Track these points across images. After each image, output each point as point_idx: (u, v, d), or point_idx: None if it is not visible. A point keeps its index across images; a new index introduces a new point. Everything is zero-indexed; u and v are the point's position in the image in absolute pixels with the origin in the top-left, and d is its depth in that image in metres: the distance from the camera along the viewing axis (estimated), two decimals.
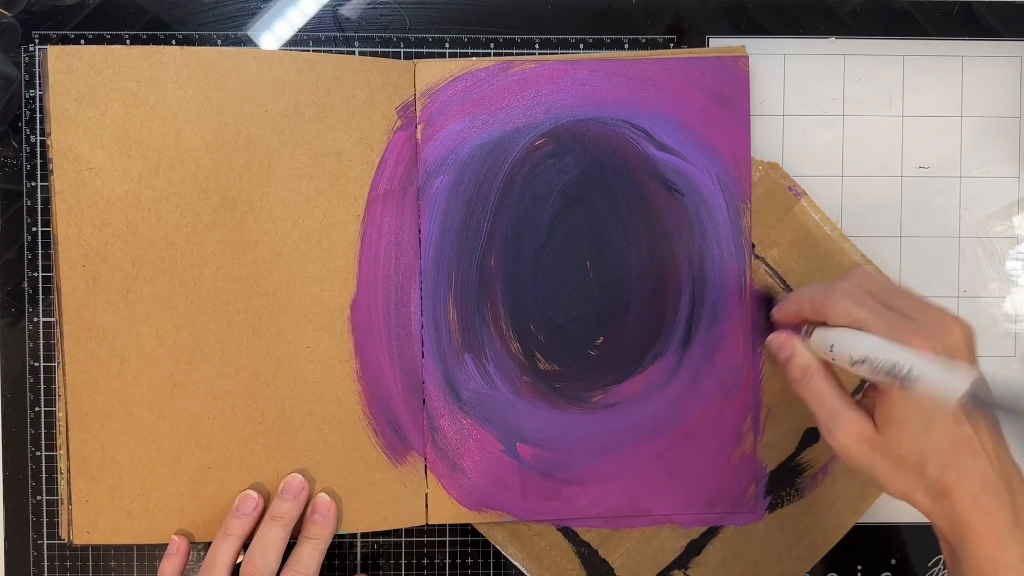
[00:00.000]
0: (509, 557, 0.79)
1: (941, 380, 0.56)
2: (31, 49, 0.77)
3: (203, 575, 0.71)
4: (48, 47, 0.71)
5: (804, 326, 0.68)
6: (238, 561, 0.71)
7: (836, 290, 0.65)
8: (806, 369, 0.66)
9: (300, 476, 0.74)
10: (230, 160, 0.73)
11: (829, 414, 0.65)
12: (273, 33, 0.78)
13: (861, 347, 0.61)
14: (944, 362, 0.57)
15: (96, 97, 0.71)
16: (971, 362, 0.61)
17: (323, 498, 0.74)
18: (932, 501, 0.63)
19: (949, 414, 0.60)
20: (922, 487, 0.63)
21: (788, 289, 0.79)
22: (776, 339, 0.69)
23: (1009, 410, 0.53)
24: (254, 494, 0.73)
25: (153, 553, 0.78)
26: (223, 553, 0.71)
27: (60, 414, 0.73)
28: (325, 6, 0.78)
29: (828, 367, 0.66)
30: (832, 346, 0.63)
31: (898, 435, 0.62)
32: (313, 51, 0.78)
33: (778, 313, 0.71)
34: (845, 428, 0.64)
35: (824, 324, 0.65)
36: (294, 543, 0.73)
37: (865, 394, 0.68)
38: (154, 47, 0.73)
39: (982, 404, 0.54)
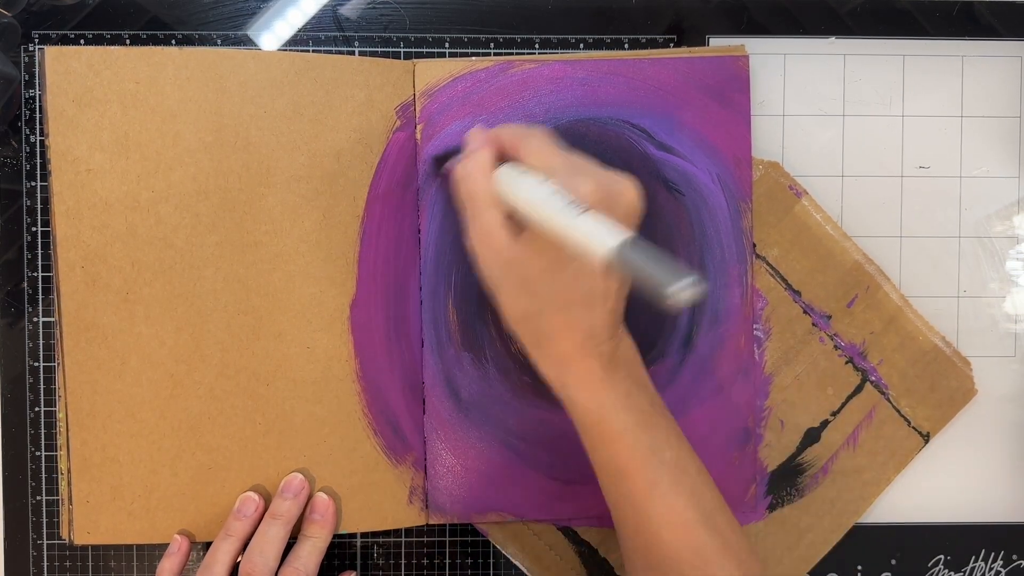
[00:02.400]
0: (509, 557, 0.79)
1: (598, 232, 0.54)
2: (31, 49, 0.76)
3: (202, 574, 0.71)
4: (45, 48, 0.71)
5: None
6: (238, 561, 0.71)
7: (537, 132, 0.65)
8: (475, 169, 0.65)
9: (300, 476, 0.74)
10: (229, 161, 0.73)
11: (477, 210, 0.64)
12: (273, 33, 0.78)
13: (544, 185, 0.60)
14: (607, 218, 0.55)
15: (94, 98, 0.71)
16: (630, 226, 0.60)
17: (322, 497, 0.74)
18: (536, 340, 0.64)
19: (582, 265, 0.60)
20: (531, 324, 0.64)
21: (790, 289, 0.79)
22: (471, 132, 0.69)
23: (642, 274, 0.51)
24: (255, 496, 0.73)
25: (153, 553, 0.78)
26: (223, 552, 0.71)
27: (60, 415, 0.73)
28: (325, 6, 0.78)
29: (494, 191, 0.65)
30: (512, 187, 0.62)
31: (531, 259, 0.62)
32: (313, 51, 0.78)
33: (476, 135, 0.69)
34: (486, 226, 0.63)
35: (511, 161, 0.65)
36: (294, 542, 0.73)
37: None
38: (153, 48, 0.73)
39: (623, 263, 0.52)
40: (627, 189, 0.61)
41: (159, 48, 0.73)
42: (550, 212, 0.58)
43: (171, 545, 0.73)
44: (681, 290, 0.49)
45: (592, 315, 0.62)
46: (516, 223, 0.63)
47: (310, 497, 0.74)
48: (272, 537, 0.71)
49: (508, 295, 0.64)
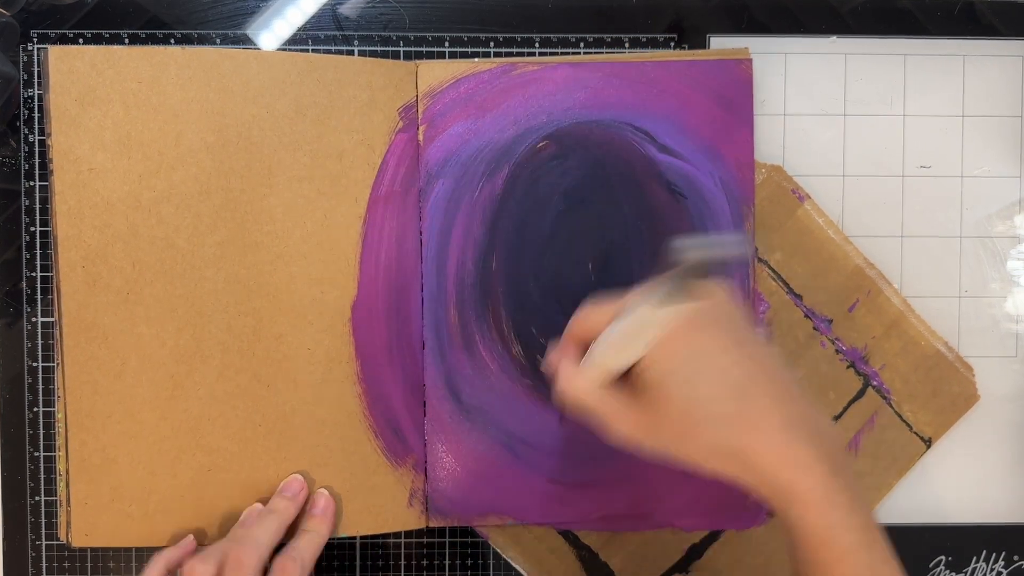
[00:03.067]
0: (510, 560, 0.79)
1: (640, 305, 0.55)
2: (30, 48, 0.76)
3: None
4: (49, 47, 0.71)
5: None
6: None
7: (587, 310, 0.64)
8: (572, 391, 0.63)
9: (300, 477, 0.74)
10: (231, 161, 0.73)
11: (602, 417, 0.62)
12: (272, 32, 0.78)
13: (601, 337, 0.60)
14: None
15: (97, 98, 0.71)
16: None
17: (323, 494, 0.74)
18: (738, 466, 0.58)
19: (717, 353, 0.58)
20: (722, 451, 0.58)
21: (790, 292, 0.79)
22: (552, 359, 0.67)
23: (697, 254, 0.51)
24: (260, 506, 0.73)
25: (152, 553, 0.78)
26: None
27: (59, 415, 0.73)
28: (324, 5, 0.78)
29: (599, 384, 0.62)
30: (596, 347, 0.62)
31: (662, 401, 0.59)
32: (312, 50, 0.77)
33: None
34: (617, 420, 0.61)
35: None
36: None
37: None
38: (156, 48, 0.73)
39: (677, 293, 0.52)
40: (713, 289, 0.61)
41: (162, 48, 0.73)
42: (612, 333, 0.59)
43: (183, 540, 0.73)
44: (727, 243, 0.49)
45: (769, 410, 0.58)
46: (631, 403, 0.61)
47: (308, 500, 0.74)
48: (267, 526, 0.70)
49: (687, 449, 0.60)
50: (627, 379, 0.63)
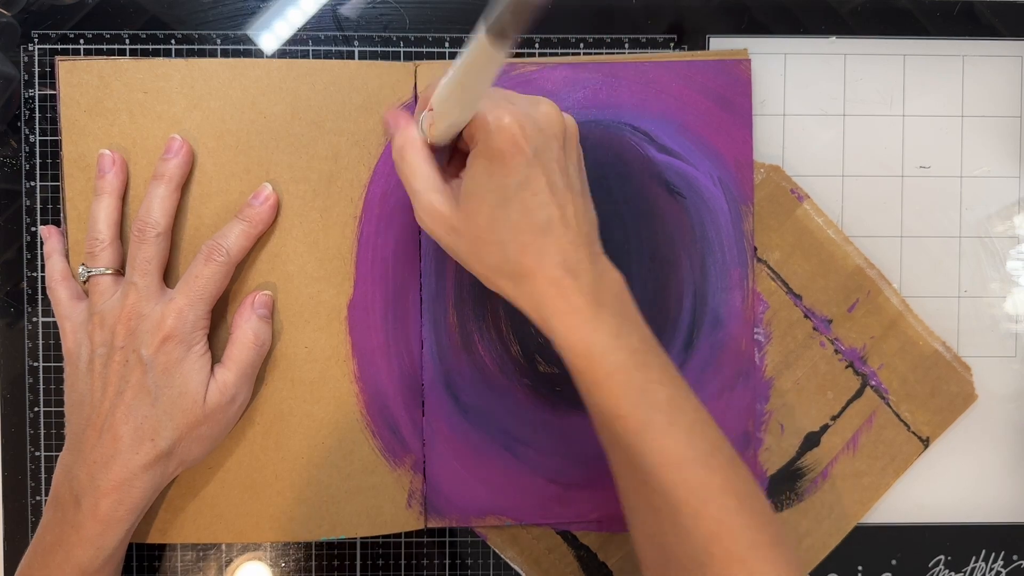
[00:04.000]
0: (508, 560, 0.79)
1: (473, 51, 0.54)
2: (30, 49, 0.76)
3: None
4: (58, 60, 0.73)
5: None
6: None
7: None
8: (403, 148, 0.65)
9: (179, 137, 0.73)
10: (231, 165, 0.73)
11: (414, 194, 0.64)
12: (272, 32, 0.78)
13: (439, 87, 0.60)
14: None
15: (105, 108, 0.73)
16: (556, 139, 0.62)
17: (265, 187, 0.74)
18: (514, 285, 0.62)
19: (530, 195, 0.60)
20: (503, 271, 0.62)
21: (791, 293, 0.79)
22: (386, 116, 0.68)
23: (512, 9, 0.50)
24: (107, 152, 0.73)
25: (152, 553, 0.78)
26: (97, 210, 0.72)
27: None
28: (325, 5, 0.78)
29: (425, 146, 0.65)
30: (429, 111, 0.62)
31: (475, 211, 0.62)
32: (312, 51, 0.78)
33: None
34: (426, 206, 0.64)
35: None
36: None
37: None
38: (161, 59, 0.74)
39: (497, 28, 0.51)
40: (546, 104, 0.63)
41: (166, 60, 0.74)
42: (441, 85, 0.59)
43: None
44: None
45: (559, 241, 0.61)
46: (453, 190, 0.64)
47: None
48: (155, 196, 0.71)
49: (470, 256, 0.63)
50: (452, 168, 0.67)
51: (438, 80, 0.61)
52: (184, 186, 0.73)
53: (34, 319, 0.77)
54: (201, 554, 0.78)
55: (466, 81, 0.57)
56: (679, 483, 0.59)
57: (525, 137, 0.59)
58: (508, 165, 0.59)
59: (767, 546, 0.58)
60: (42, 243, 0.75)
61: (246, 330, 0.71)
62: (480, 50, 0.53)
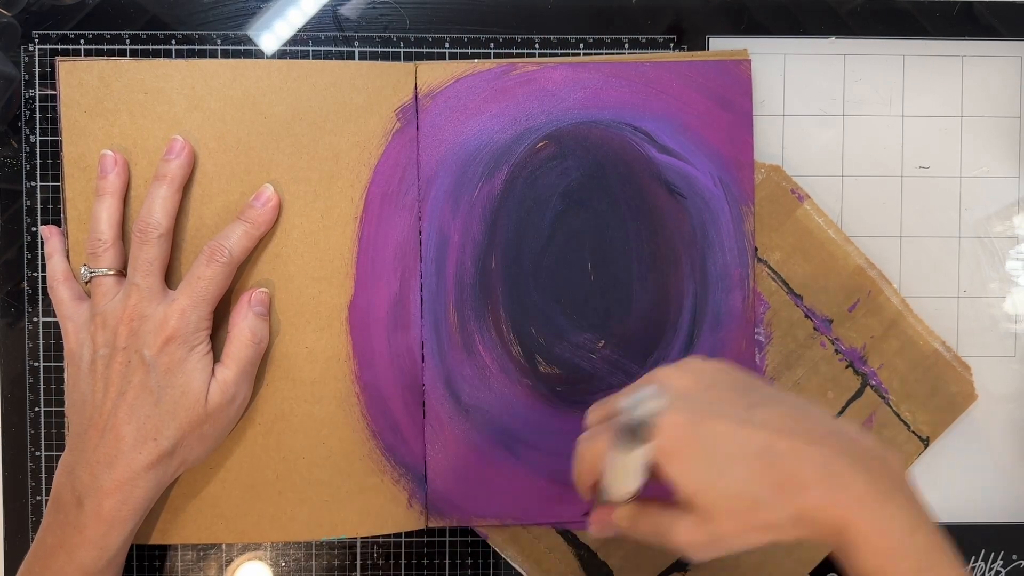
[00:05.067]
0: (509, 560, 0.79)
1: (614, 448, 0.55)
2: (31, 49, 0.76)
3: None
4: (59, 62, 0.73)
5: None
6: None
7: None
8: (626, 522, 0.62)
9: (180, 138, 0.73)
10: (231, 166, 0.73)
11: (666, 540, 0.59)
12: (273, 33, 0.78)
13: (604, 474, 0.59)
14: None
15: (105, 108, 0.73)
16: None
17: (266, 188, 0.74)
18: (802, 529, 0.56)
19: (722, 437, 0.56)
20: (782, 524, 0.56)
21: (791, 293, 0.79)
22: (592, 529, 0.66)
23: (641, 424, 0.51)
24: (109, 153, 0.73)
25: (152, 553, 0.78)
26: (100, 210, 0.71)
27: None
28: (325, 6, 0.78)
29: (632, 510, 0.62)
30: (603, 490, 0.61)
31: (702, 505, 0.56)
32: (313, 51, 0.78)
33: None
34: (681, 540, 0.58)
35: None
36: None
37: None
38: (161, 60, 0.74)
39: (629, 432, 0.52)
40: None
41: (166, 60, 0.74)
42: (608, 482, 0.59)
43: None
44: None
45: (804, 462, 0.56)
46: (690, 519, 0.59)
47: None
48: (156, 196, 0.71)
49: (754, 536, 0.57)
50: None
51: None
52: (185, 187, 0.73)
53: (35, 319, 0.77)
54: (201, 554, 0.78)
55: (624, 477, 0.57)
56: None
57: (678, 424, 0.56)
58: (682, 457, 0.56)
59: None
60: (42, 243, 0.75)
61: (243, 328, 0.71)
62: (622, 459, 0.54)
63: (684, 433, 0.56)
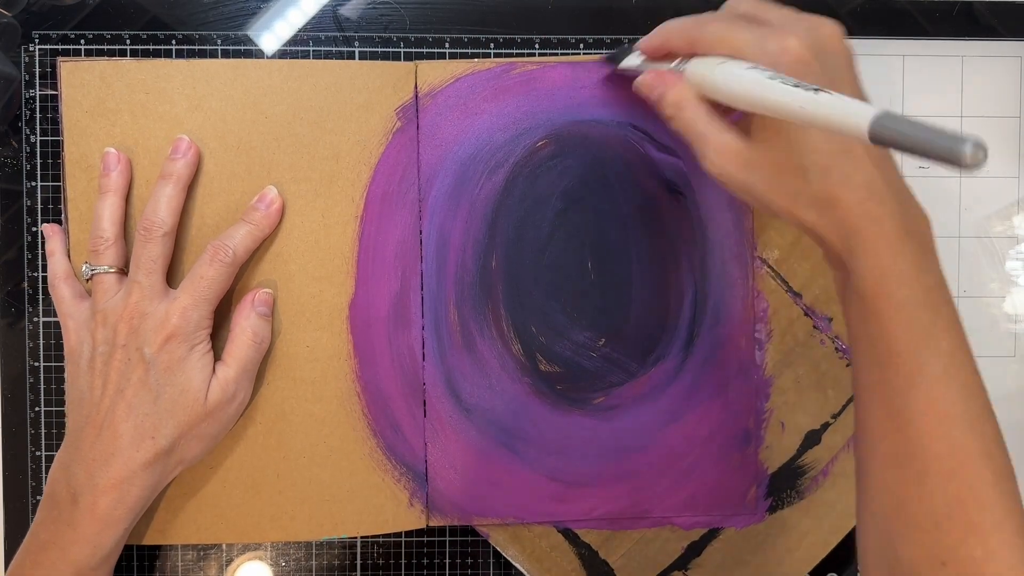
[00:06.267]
0: (510, 559, 0.79)
1: (844, 109, 0.51)
2: (31, 49, 0.76)
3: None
4: (60, 61, 0.73)
5: (675, 60, 0.66)
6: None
7: (707, 18, 0.63)
8: (679, 103, 0.64)
9: (187, 138, 0.73)
10: (232, 166, 0.73)
11: (701, 139, 0.63)
12: (273, 33, 0.78)
13: (743, 81, 0.58)
14: (840, 99, 0.51)
15: (107, 109, 0.73)
16: (848, 64, 0.60)
17: (270, 190, 0.74)
18: (818, 213, 0.59)
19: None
20: (805, 198, 0.59)
21: (791, 292, 0.79)
22: (646, 78, 0.68)
23: (914, 143, 0.49)
24: (112, 151, 0.73)
25: (152, 553, 0.78)
26: (102, 208, 0.71)
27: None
28: (325, 6, 0.78)
29: (701, 98, 0.63)
30: (708, 76, 0.61)
31: (774, 144, 0.60)
32: (313, 51, 0.78)
33: (645, 44, 0.69)
34: (717, 147, 0.62)
35: (697, 55, 0.63)
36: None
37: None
38: (163, 60, 0.75)
39: (888, 136, 0.47)
40: (830, 30, 0.60)
41: (168, 60, 0.75)
42: (782, 103, 0.55)
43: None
44: (969, 149, 0.45)
45: (862, 164, 0.57)
46: (741, 129, 0.62)
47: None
48: (161, 195, 0.71)
49: (773, 189, 0.61)
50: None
51: (694, 31, 0.63)
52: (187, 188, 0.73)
53: (35, 319, 0.77)
54: (202, 554, 0.78)
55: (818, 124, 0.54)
56: (940, 438, 0.56)
57: (816, 59, 0.58)
58: None
59: (1011, 531, 0.55)
60: (43, 242, 0.76)
61: (245, 328, 0.71)
62: (836, 125, 0.51)
63: (806, 68, 0.57)
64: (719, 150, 0.62)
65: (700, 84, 0.63)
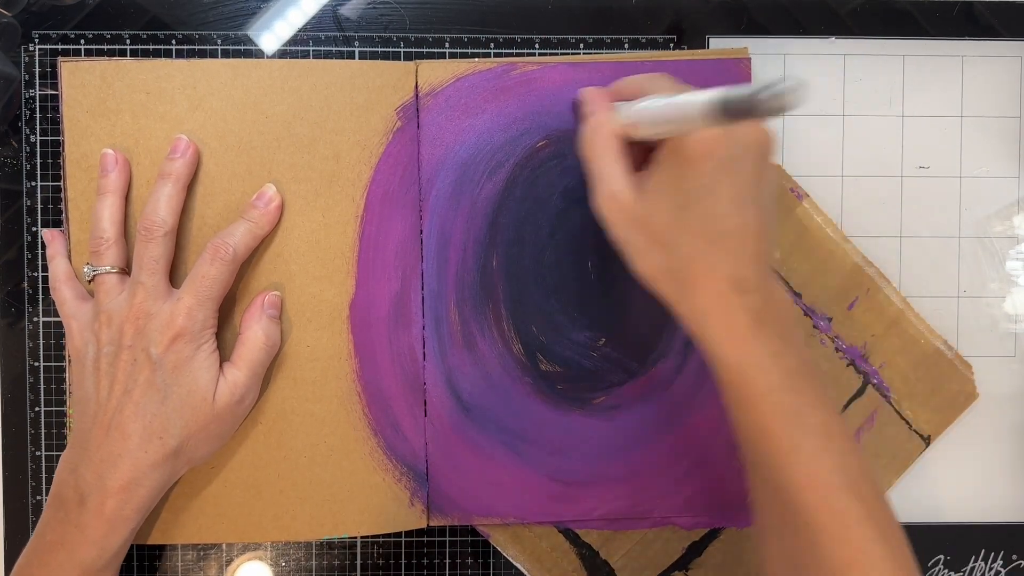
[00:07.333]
0: (510, 559, 0.79)
1: (694, 98, 0.55)
2: (31, 49, 0.76)
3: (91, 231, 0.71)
4: (61, 62, 0.73)
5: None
6: None
7: (658, 76, 0.68)
8: (598, 128, 0.66)
9: (185, 138, 0.73)
10: (233, 166, 0.73)
11: (599, 178, 0.65)
12: (273, 33, 0.78)
13: (647, 101, 0.62)
14: (702, 92, 0.55)
15: (107, 109, 0.73)
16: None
17: (269, 188, 0.74)
18: (678, 291, 0.62)
19: (710, 204, 0.60)
20: (668, 273, 0.62)
21: (790, 290, 0.79)
22: (591, 92, 0.70)
23: (759, 108, 0.50)
24: (110, 151, 0.73)
25: (153, 552, 0.78)
26: (102, 209, 0.71)
27: (70, 411, 0.74)
28: (325, 6, 0.78)
29: (619, 135, 0.65)
30: (631, 108, 0.64)
31: (656, 209, 0.62)
32: (313, 51, 0.78)
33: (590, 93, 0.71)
34: (607, 195, 0.64)
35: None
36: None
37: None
38: (163, 60, 0.75)
39: (733, 110, 0.51)
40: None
41: (168, 60, 0.74)
42: (669, 108, 0.58)
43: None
44: (776, 89, 0.48)
45: (733, 254, 0.60)
46: (638, 182, 0.64)
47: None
48: (161, 195, 0.71)
49: (641, 252, 0.63)
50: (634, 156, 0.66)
51: (641, 81, 0.67)
52: (188, 186, 0.73)
53: (35, 319, 0.77)
54: (202, 553, 0.78)
55: (675, 121, 0.59)
56: (823, 507, 0.58)
57: (720, 143, 0.59)
58: (698, 168, 0.59)
59: None
60: (43, 244, 0.76)
61: (256, 330, 0.71)
62: (703, 111, 0.54)
63: (707, 152, 0.60)
64: (609, 198, 0.64)
65: (624, 114, 0.65)
